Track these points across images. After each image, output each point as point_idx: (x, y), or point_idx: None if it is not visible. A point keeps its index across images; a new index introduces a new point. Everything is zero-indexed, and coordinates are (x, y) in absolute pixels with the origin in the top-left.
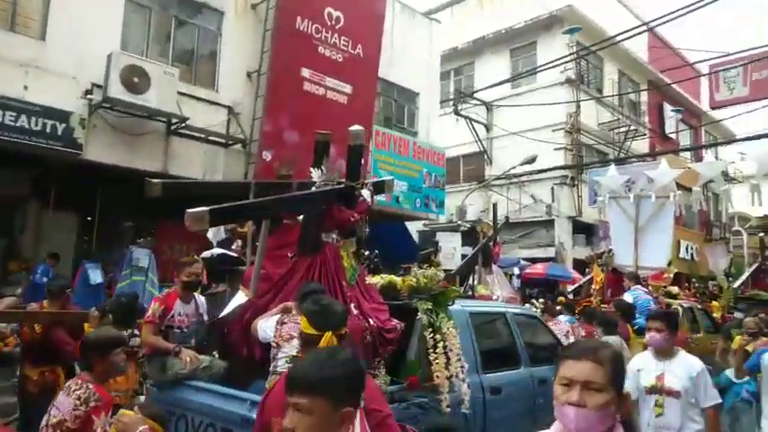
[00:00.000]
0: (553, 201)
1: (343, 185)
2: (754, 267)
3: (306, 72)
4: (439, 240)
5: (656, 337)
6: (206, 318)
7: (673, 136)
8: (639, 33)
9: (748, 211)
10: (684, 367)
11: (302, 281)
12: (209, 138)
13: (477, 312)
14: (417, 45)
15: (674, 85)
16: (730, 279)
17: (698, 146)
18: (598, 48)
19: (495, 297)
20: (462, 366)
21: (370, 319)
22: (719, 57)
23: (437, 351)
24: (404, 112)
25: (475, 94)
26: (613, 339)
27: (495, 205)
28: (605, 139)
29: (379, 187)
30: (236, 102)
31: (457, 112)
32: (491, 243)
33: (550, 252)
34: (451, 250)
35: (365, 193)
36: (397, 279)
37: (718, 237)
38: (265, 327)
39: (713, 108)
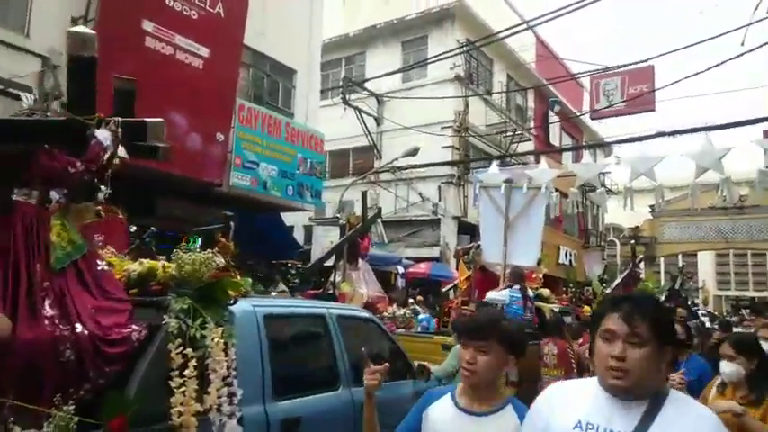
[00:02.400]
0: (440, 200)
1: (61, 118)
2: (625, 273)
3: (148, 25)
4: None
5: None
6: None
7: (556, 143)
8: (521, 31)
9: (621, 223)
10: None
11: None
12: (10, 90)
13: (276, 314)
14: (296, 19)
15: (558, 96)
16: (604, 285)
17: (577, 146)
18: (482, 44)
19: (359, 295)
20: (232, 394)
21: (79, 325)
22: (599, 70)
23: (186, 373)
24: (278, 89)
25: (365, 85)
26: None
27: (364, 194)
28: (492, 141)
29: (134, 129)
30: (55, 51)
31: (345, 101)
32: (358, 236)
33: (436, 252)
34: (328, 245)
35: (102, 133)
36: (162, 265)
37: (595, 244)
38: None
39: (593, 119)
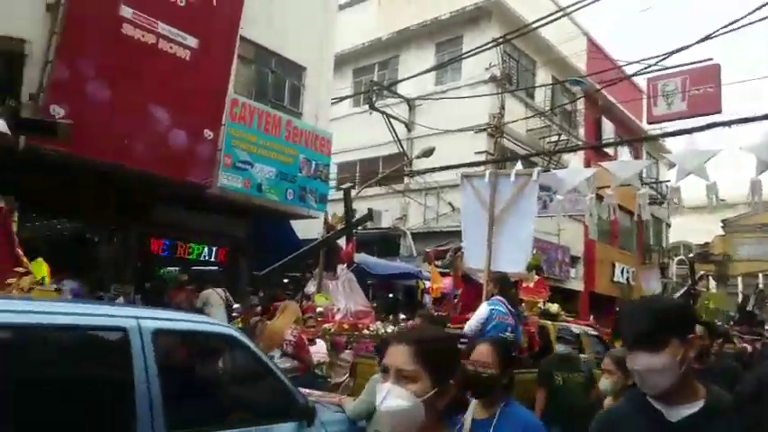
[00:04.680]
0: None
1: None
2: (681, 292)
3: (127, 11)
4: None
5: None
6: None
7: (610, 151)
8: (555, 20)
9: (691, 239)
10: None
11: None
12: None
13: (6, 325)
14: (306, 13)
15: (611, 99)
16: None
17: (619, 142)
18: (515, 36)
19: (336, 309)
20: None
21: None
22: (659, 70)
23: None
24: (284, 87)
25: (397, 90)
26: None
27: (347, 191)
28: (534, 147)
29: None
30: (27, 39)
31: (372, 106)
32: (337, 239)
33: None
34: None
35: None
36: None
37: (657, 262)
38: None
39: (651, 123)
